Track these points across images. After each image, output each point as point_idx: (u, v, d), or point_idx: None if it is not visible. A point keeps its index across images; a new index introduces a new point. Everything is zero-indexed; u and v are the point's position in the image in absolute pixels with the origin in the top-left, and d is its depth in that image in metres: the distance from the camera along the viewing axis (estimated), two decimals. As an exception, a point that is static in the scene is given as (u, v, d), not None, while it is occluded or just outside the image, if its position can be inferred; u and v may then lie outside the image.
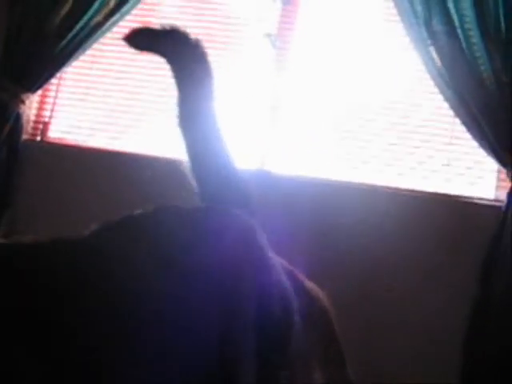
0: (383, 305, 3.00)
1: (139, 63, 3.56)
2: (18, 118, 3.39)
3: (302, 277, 1.68)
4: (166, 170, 3.25)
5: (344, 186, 3.22)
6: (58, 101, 3.64)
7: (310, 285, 1.67)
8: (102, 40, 3.50)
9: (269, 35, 3.38)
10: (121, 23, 3.47)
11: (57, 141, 3.57)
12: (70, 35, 3.37)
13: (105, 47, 3.60)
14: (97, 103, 3.61)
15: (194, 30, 3.52)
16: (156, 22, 3.61)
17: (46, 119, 3.61)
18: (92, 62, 3.63)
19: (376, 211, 3.10)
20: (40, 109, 3.63)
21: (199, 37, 3.31)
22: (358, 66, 3.38)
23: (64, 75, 3.59)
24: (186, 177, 3.23)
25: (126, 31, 3.28)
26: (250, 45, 3.50)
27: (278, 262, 1.58)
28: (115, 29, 3.47)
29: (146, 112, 3.57)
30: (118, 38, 3.53)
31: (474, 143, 3.10)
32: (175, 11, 3.66)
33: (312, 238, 3.04)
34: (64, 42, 3.38)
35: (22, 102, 3.39)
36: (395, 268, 3.04)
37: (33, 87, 3.41)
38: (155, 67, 3.54)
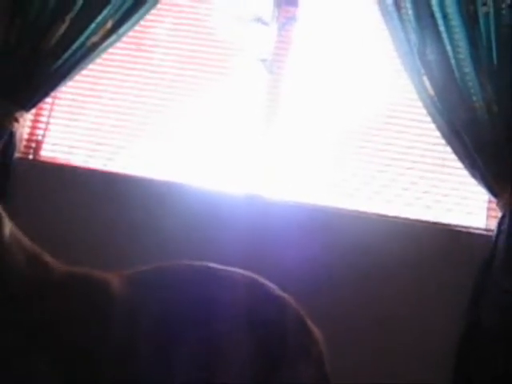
0: (374, 330, 3.00)
1: (133, 84, 3.59)
2: (12, 136, 3.39)
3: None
4: (157, 191, 3.30)
5: (336, 212, 3.23)
6: (51, 120, 3.64)
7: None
8: (97, 61, 3.51)
9: (264, 60, 3.40)
10: (117, 44, 3.49)
11: (49, 159, 3.57)
12: (66, 55, 3.38)
13: (100, 67, 3.62)
14: (90, 123, 3.61)
15: (187, 54, 3.59)
16: (151, 44, 3.65)
17: (39, 138, 3.61)
18: (87, 83, 3.65)
19: (367, 237, 3.10)
20: (33, 127, 3.63)
21: (193, 61, 3.31)
22: (352, 89, 3.41)
23: (58, 94, 3.60)
24: (175, 198, 3.26)
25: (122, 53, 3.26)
26: (244, 70, 3.52)
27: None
28: (111, 50, 3.49)
29: (138, 133, 3.58)
30: (114, 60, 3.58)
31: (465, 172, 3.12)
32: (170, 34, 3.68)
33: (303, 263, 3.04)
34: (60, 61, 3.38)
35: (16, 120, 3.39)
36: (385, 293, 3.04)
37: (27, 106, 3.41)
38: (149, 88, 3.58)
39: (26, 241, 1.61)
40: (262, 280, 1.73)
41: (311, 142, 3.41)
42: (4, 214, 1.56)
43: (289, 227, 3.14)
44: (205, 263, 1.75)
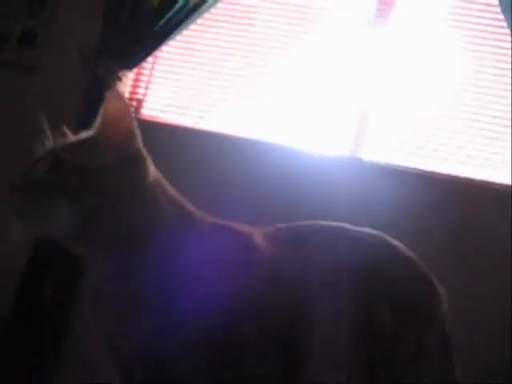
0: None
1: (236, 45, 3.60)
2: (115, 94, 3.44)
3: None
4: (253, 150, 3.31)
5: (430, 175, 3.19)
6: (152, 79, 3.70)
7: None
8: (199, 21, 3.54)
9: (367, 21, 3.36)
10: (219, 5, 3.50)
11: (150, 118, 3.63)
12: (169, 15, 3.42)
13: (202, 28, 3.64)
14: (189, 82, 3.65)
15: (287, 14, 3.56)
16: (253, 4, 3.63)
17: (140, 97, 3.68)
18: (187, 42, 3.68)
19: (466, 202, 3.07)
20: (134, 86, 3.69)
21: (293, 21, 3.28)
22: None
23: (158, 53, 3.64)
24: (273, 158, 3.27)
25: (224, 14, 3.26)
26: (347, 31, 3.48)
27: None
28: (213, 10, 3.51)
29: (237, 91, 3.60)
30: (216, 20, 3.59)
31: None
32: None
33: (402, 226, 3.02)
34: (163, 21, 3.42)
35: (119, 79, 3.46)
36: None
37: (130, 65, 3.47)
38: (248, 48, 3.58)
39: (169, 188, 1.55)
40: (392, 240, 1.73)
41: (410, 104, 3.36)
42: (148, 157, 1.52)
43: (387, 189, 3.12)
44: (339, 223, 1.75)
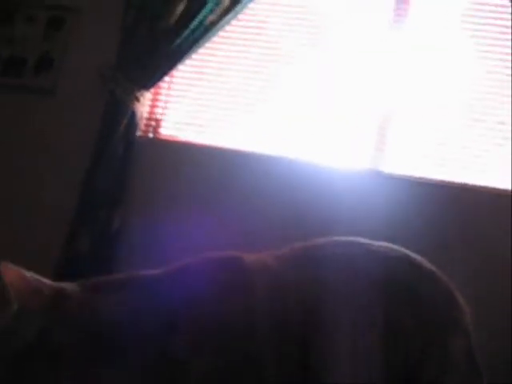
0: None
1: (250, 62, 3.60)
2: (133, 115, 3.46)
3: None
4: (276, 167, 3.31)
5: (453, 186, 3.17)
6: (169, 98, 3.71)
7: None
8: (215, 39, 3.54)
9: (385, 24, 3.36)
10: (234, 22, 3.51)
11: (168, 137, 3.64)
12: (185, 34, 3.42)
13: (217, 46, 3.64)
14: (207, 100, 3.65)
15: (305, 27, 3.54)
16: (271, 19, 3.63)
17: (159, 116, 3.68)
18: (204, 61, 3.69)
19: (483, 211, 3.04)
20: (152, 106, 3.70)
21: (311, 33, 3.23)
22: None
23: (175, 72, 3.65)
24: (295, 174, 3.26)
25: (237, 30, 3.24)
26: (364, 36, 3.48)
27: None
28: (228, 27, 3.52)
29: (254, 109, 3.60)
30: (231, 37, 3.60)
31: None
32: (280, 6, 3.65)
33: (424, 238, 3.00)
34: (178, 40, 3.43)
35: (137, 99, 3.47)
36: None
37: (147, 85, 3.48)
38: (265, 65, 3.58)
39: None
40: (411, 253, 1.72)
41: (427, 113, 3.34)
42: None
43: (407, 202, 3.10)
44: (354, 238, 1.74)
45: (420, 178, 3.21)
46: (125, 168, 3.41)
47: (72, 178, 3.42)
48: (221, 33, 3.54)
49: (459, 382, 1.61)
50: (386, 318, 1.55)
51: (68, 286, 1.52)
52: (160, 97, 3.72)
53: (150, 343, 1.44)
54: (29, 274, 1.47)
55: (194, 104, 3.68)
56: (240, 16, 3.53)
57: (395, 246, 1.71)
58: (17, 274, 1.46)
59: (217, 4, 3.41)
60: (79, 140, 3.50)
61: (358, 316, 1.54)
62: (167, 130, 3.68)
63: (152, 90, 3.61)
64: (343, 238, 1.72)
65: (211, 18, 3.42)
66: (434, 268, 1.71)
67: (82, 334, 1.45)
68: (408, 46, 3.38)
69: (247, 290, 1.53)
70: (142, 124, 3.60)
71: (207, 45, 3.55)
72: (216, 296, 1.51)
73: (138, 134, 3.53)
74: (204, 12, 3.41)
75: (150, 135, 3.64)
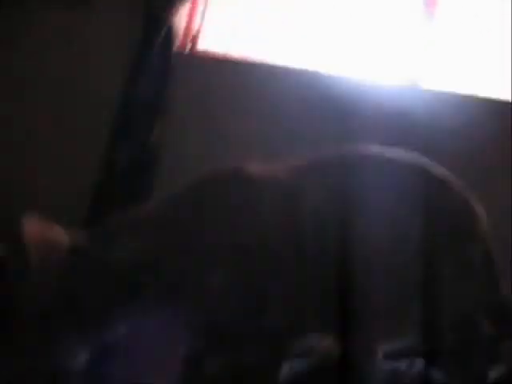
0: None
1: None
2: (169, 30, 3.43)
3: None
4: (316, 82, 3.27)
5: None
6: (206, 12, 3.66)
7: None
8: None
9: None
10: None
11: (205, 53, 3.60)
12: None
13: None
14: (245, 14, 3.60)
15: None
16: None
17: (195, 31, 3.64)
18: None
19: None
20: (189, 20, 3.66)
21: None
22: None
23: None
24: (335, 89, 3.24)
25: None
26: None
27: None
28: None
29: (290, 22, 3.54)
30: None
31: None
32: None
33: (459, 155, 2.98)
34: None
35: (173, 12, 3.42)
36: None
37: (182, -1, 3.43)
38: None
39: None
40: (425, 161, 1.71)
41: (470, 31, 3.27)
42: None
43: (447, 117, 3.07)
44: (368, 147, 1.73)
45: (460, 93, 3.17)
46: (162, 84, 3.39)
47: (109, 90, 3.40)
48: None
49: (476, 290, 1.63)
50: (400, 231, 1.57)
51: (82, 236, 1.54)
52: (197, 9, 3.66)
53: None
54: (48, 229, 1.50)
55: (232, 16, 3.63)
56: None
57: (411, 154, 1.71)
58: (37, 232, 1.49)
59: None
60: (117, 55, 3.48)
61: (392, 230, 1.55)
62: (204, 44, 3.64)
63: (189, 5, 3.56)
64: (358, 147, 1.72)
65: None
66: (448, 175, 1.70)
67: (96, 285, 1.48)
68: None
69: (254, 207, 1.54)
70: (178, 38, 3.57)
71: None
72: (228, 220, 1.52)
73: (175, 48, 3.50)
74: None
75: (187, 50, 3.61)
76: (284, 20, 3.55)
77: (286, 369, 1.49)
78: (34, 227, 1.49)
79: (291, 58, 3.48)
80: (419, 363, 1.60)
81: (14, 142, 3.37)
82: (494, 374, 1.63)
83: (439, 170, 1.71)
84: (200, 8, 3.65)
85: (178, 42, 3.55)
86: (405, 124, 3.01)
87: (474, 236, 1.65)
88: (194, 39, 3.62)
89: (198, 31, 3.64)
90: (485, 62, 3.24)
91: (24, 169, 3.29)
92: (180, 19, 3.50)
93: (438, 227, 1.60)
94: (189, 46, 3.61)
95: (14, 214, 1.52)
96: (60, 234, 1.52)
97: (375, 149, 1.71)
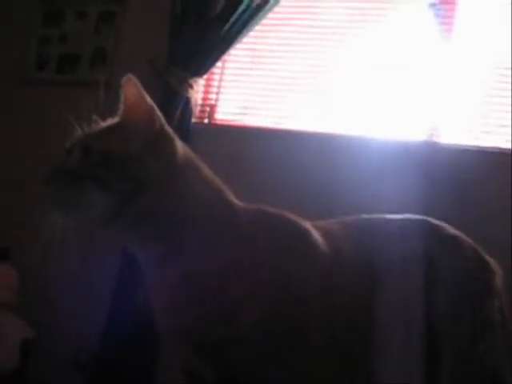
0: None
1: (301, 42, 3.60)
2: (188, 102, 3.51)
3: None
4: (334, 145, 3.31)
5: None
6: (222, 83, 3.74)
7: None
8: (264, 21, 3.55)
9: (432, 4, 3.31)
10: (282, 3, 3.51)
11: (224, 122, 3.67)
12: (233, 19, 3.44)
13: (267, 28, 3.66)
14: (260, 83, 3.68)
15: (354, 2, 3.53)
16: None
17: (213, 102, 3.72)
18: (254, 44, 3.71)
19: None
20: (206, 92, 3.74)
21: (360, 12, 3.21)
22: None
23: (227, 57, 3.67)
24: (353, 151, 3.25)
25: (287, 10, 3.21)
26: (413, 15, 3.44)
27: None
28: (276, 9, 3.52)
29: (306, 89, 3.60)
30: (280, 19, 3.60)
31: None
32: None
33: (481, 208, 2.97)
34: (227, 25, 3.45)
35: (191, 86, 3.51)
36: None
37: (200, 72, 3.52)
38: (316, 47, 3.57)
39: (208, 173, 1.55)
40: (434, 221, 1.73)
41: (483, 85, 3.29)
42: (175, 137, 1.53)
43: (464, 172, 3.07)
44: (382, 215, 1.75)
45: (476, 147, 3.17)
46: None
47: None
48: (270, 15, 3.53)
49: (497, 343, 1.62)
50: (420, 293, 1.58)
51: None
52: (213, 82, 3.76)
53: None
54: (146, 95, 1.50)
55: (248, 87, 3.70)
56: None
57: (419, 217, 1.74)
58: (137, 91, 1.51)
59: (263, -14, 3.42)
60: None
61: (398, 293, 1.57)
62: (222, 115, 3.72)
63: (205, 76, 3.65)
64: (369, 216, 1.75)
65: (258, 0, 3.43)
66: (458, 233, 1.71)
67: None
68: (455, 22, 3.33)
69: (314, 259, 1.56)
70: (196, 111, 3.65)
71: (257, 28, 3.56)
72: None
73: (194, 120, 3.57)
74: (250, -5, 3.43)
75: (206, 121, 3.68)
76: (294, 87, 3.60)
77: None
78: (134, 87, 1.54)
79: (308, 124, 3.52)
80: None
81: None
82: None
83: (450, 229, 1.73)
84: (216, 80, 3.74)
85: (196, 113, 3.63)
86: (421, 179, 3.02)
87: (491, 291, 1.66)
88: (212, 109, 3.69)
89: (216, 101, 3.71)
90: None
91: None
92: (197, 91, 3.59)
93: (455, 287, 1.61)
94: (206, 116, 3.68)
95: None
96: None
97: (385, 216, 1.75)
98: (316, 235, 1.57)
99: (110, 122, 1.55)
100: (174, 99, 3.46)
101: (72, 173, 1.42)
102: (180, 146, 1.52)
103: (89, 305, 3.46)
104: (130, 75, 1.50)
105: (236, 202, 1.57)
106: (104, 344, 3.35)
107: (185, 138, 3.39)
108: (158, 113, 1.52)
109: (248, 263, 1.45)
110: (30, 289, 3.49)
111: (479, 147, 3.17)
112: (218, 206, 1.51)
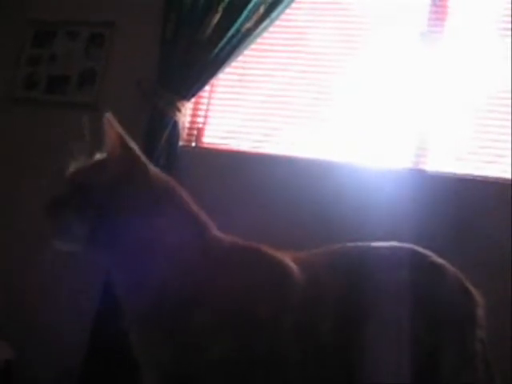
0: None
1: (290, 67, 3.62)
2: (175, 125, 3.52)
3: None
4: (320, 171, 3.31)
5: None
6: (210, 107, 3.75)
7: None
8: (252, 46, 3.57)
9: (421, 33, 3.34)
10: (270, 29, 3.54)
11: (211, 146, 3.68)
12: (222, 43, 3.46)
13: (255, 53, 3.68)
14: (248, 107, 3.69)
15: (342, 30, 3.56)
16: (303, 24, 3.66)
17: (200, 125, 3.73)
18: (243, 68, 3.73)
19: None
20: (194, 115, 3.75)
21: (347, 38, 3.23)
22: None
23: (215, 81, 3.69)
24: (338, 177, 3.26)
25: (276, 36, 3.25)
26: (402, 43, 3.47)
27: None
28: (265, 34, 3.54)
29: (293, 114, 3.61)
30: (269, 44, 3.62)
31: None
32: (320, 13, 3.68)
33: (468, 237, 2.98)
34: (216, 50, 3.47)
35: (178, 109, 3.51)
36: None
37: (188, 95, 3.53)
38: (304, 72, 3.60)
39: (185, 200, 1.68)
40: (419, 249, 1.74)
41: (472, 113, 3.32)
42: (152, 168, 1.68)
43: (451, 200, 3.08)
44: (367, 243, 1.76)
45: (463, 175, 3.19)
46: (169, 174, 3.43)
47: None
48: (259, 40, 3.56)
49: (478, 374, 1.63)
50: (404, 323, 1.59)
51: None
52: (201, 106, 3.77)
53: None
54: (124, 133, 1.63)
55: (236, 112, 3.72)
56: (279, 22, 3.55)
57: (405, 245, 1.75)
58: (116, 129, 1.63)
59: (252, 11, 3.44)
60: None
61: (382, 323, 1.57)
62: (209, 139, 3.72)
63: (193, 100, 3.66)
64: (359, 244, 1.76)
65: (247, 25, 3.45)
66: (443, 262, 1.72)
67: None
68: (444, 49, 3.37)
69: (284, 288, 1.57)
70: (184, 134, 3.66)
71: (246, 53, 3.58)
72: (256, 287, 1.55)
73: (181, 143, 3.58)
74: (240, 20, 3.45)
75: (193, 144, 3.68)
76: (282, 112, 3.62)
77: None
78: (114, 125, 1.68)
79: (295, 149, 3.54)
80: None
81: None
82: None
83: (435, 258, 1.74)
84: (204, 103, 3.75)
85: (183, 136, 3.64)
86: (409, 207, 3.04)
87: (475, 322, 1.67)
88: (200, 132, 3.70)
89: (204, 125, 3.72)
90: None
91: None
92: (185, 115, 3.60)
93: (439, 316, 1.61)
94: (194, 139, 3.69)
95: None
96: None
97: (371, 244, 1.76)
98: (292, 268, 1.59)
99: (98, 157, 1.71)
100: (161, 121, 3.48)
101: (61, 203, 1.60)
102: (157, 177, 1.65)
103: (72, 324, 3.44)
104: (108, 115, 1.65)
105: (214, 231, 1.65)
106: (87, 364, 3.32)
107: (172, 160, 3.47)
108: (138, 152, 1.66)
109: (214, 293, 1.50)
110: (11, 310, 3.47)
111: (466, 175, 3.19)
112: (189, 234, 1.59)
